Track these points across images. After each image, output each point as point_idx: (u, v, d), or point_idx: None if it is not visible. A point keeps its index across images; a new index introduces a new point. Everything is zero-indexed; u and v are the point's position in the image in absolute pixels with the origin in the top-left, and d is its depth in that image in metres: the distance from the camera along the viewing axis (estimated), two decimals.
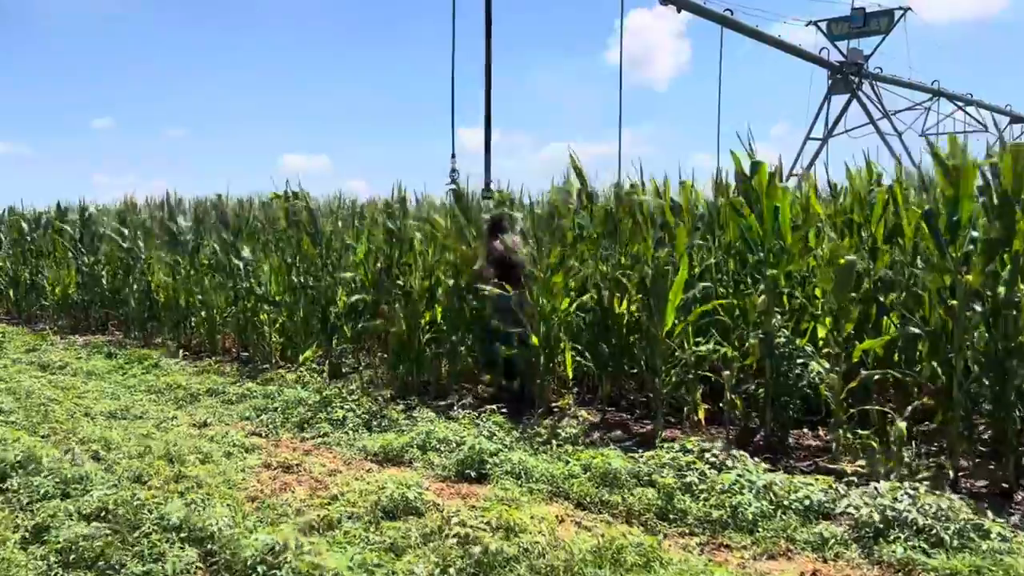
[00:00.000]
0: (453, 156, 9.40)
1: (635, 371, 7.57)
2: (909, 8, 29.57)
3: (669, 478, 5.17)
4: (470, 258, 8.09)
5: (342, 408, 7.37)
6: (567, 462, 5.78)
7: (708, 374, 6.61)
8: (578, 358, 7.43)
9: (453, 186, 9.05)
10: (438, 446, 6.27)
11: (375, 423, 7.09)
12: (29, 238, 16.21)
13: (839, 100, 31.43)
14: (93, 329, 13.96)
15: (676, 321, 6.56)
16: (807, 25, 30.58)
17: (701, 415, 6.69)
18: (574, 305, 7.55)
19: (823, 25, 30.84)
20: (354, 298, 9.30)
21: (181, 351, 10.89)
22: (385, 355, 9.24)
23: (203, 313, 11.28)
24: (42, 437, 6.89)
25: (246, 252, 10.44)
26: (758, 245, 6.25)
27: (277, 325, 10.22)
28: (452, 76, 9.35)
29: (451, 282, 8.27)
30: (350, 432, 6.92)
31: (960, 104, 31.64)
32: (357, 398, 7.61)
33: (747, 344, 6.37)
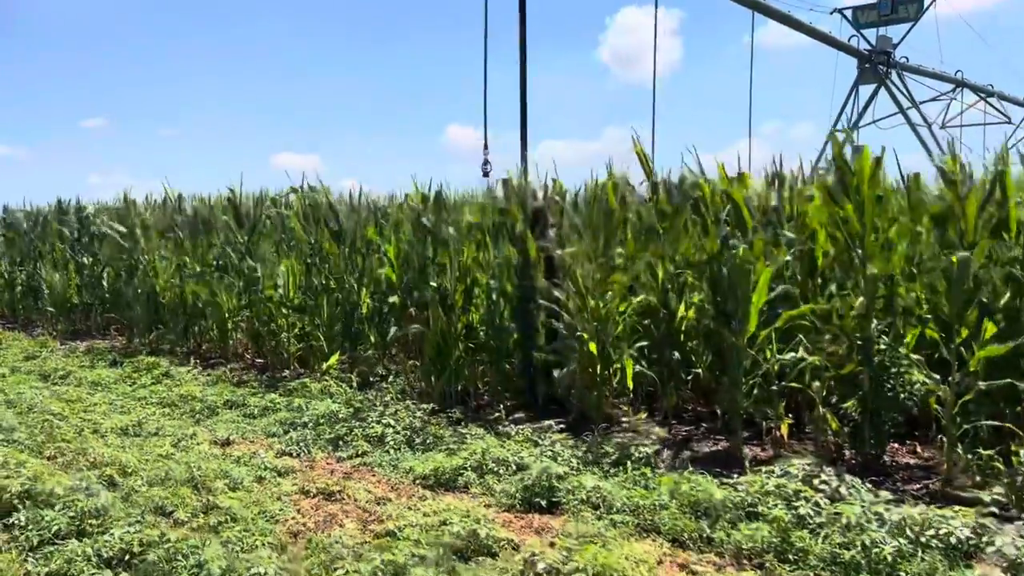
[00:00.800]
0: (486, 148, 8.73)
1: (698, 381, 6.90)
2: None
3: (778, 509, 4.49)
4: (514, 256, 7.41)
5: (379, 423, 6.68)
6: (648, 488, 5.11)
7: (795, 385, 5.92)
8: (638, 367, 6.75)
9: (488, 179, 8.37)
10: (496, 468, 5.59)
11: (418, 440, 6.40)
12: (27, 238, 15.45)
13: (867, 92, 30.83)
14: (94, 333, 13.21)
15: (759, 326, 5.87)
16: (832, 13, 29.76)
17: (784, 431, 6.02)
18: (629, 308, 6.88)
19: (848, 13, 30.08)
20: (391, 299, 8.59)
21: (192, 358, 10.16)
22: (416, 362, 8.56)
23: (214, 317, 10.56)
24: (48, 459, 6.20)
25: (262, 252, 9.71)
26: (855, 240, 5.57)
27: (296, 330, 9.50)
28: (484, 69, 8.66)
29: (493, 283, 7.58)
30: (391, 451, 6.23)
31: (983, 95, 31.00)
32: (394, 411, 6.91)
33: (840, 351, 5.70)
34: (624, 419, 6.82)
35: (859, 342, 5.56)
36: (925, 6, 29.06)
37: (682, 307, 6.78)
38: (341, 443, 6.46)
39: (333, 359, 8.67)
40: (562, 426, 6.31)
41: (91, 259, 13.51)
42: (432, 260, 7.95)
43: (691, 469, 5.45)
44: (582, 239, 6.92)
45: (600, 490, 5.00)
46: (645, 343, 6.92)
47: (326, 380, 8.26)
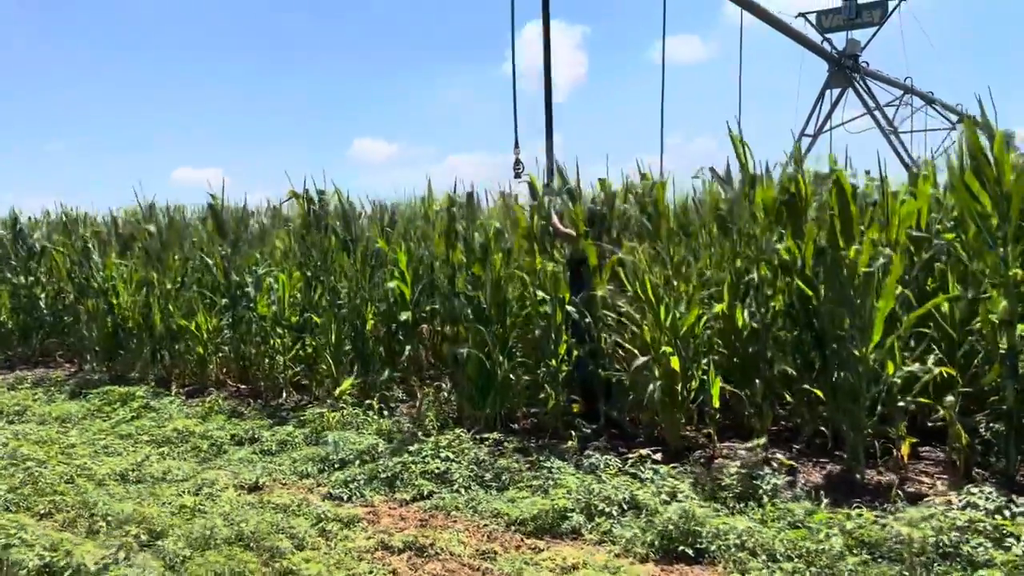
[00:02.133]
0: (517, 146, 7.91)
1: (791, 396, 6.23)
2: None
3: (992, 550, 3.82)
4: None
5: (436, 457, 5.77)
6: (800, 527, 4.38)
7: (924, 400, 5.31)
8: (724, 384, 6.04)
9: (526, 179, 7.55)
10: (606, 509, 4.76)
11: (488, 476, 5.52)
12: None
13: (835, 95, 31.18)
14: (35, 362, 11.74)
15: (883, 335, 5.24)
16: (797, 17, 29.84)
17: (905, 451, 5.39)
18: (705, 319, 6.18)
19: (812, 17, 30.22)
20: (403, 315, 7.69)
21: (165, 386, 8.96)
22: (441, 384, 7.67)
23: (191, 340, 9.38)
24: (43, 517, 5.07)
25: (257, 265, 8.62)
26: (995, 237, 5.00)
27: (292, 352, 8.44)
28: (513, 69, 7.89)
29: (540, 294, 6.77)
30: (463, 491, 5.33)
31: (925, 102, 31.84)
32: (447, 442, 5.99)
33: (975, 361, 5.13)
34: (702, 442, 6.12)
35: (1002, 351, 4.98)
36: (889, 11, 29.69)
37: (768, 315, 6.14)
38: (399, 483, 5.52)
39: (347, 383, 7.66)
40: (659, 456, 5.53)
41: (30, 278, 12.03)
42: (467, 269, 7.07)
43: (824, 502, 4.77)
44: (653, 243, 6.20)
45: (752, 532, 4.25)
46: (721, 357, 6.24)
47: (342, 407, 7.27)
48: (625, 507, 4.78)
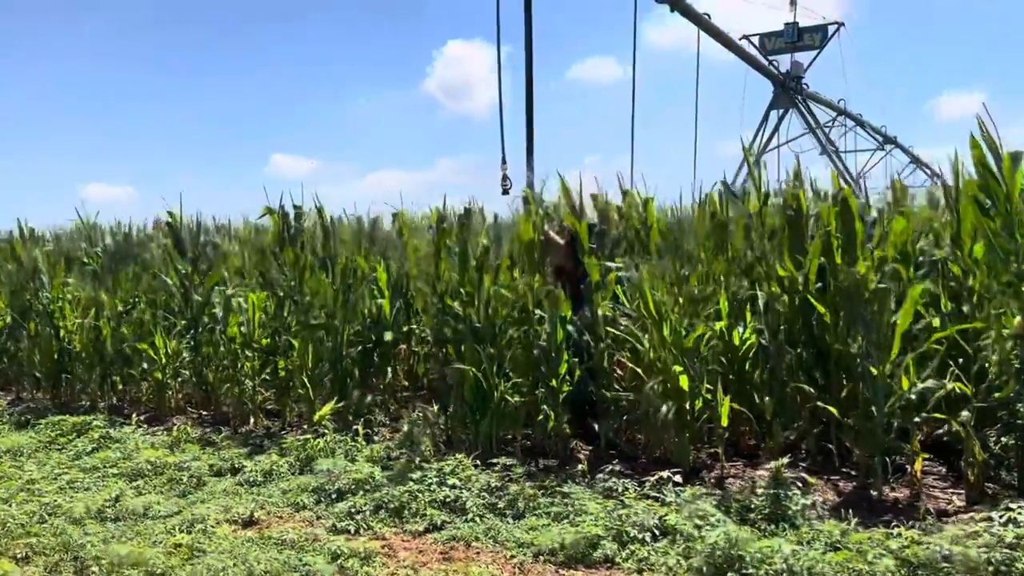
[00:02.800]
0: (504, 162, 7.74)
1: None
2: (842, 24, 30.48)
3: None
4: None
5: (443, 485, 5.51)
6: (838, 548, 4.30)
7: (939, 416, 5.32)
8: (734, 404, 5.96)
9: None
10: (637, 534, 4.59)
11: (502, 504, 5.28)
12: None
13: (779, 116, 32.03)
14: None
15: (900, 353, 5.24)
16: (740, 39, 30.57)
17: (918, 467, 5.38)
18: (709, 336, 6.11)
19: (755, 39, 31.08)
20: (386, 336, 7.41)
21: (133, 415, 8.40)
22: (424, 406, 7.39)
23: (147, 364, 8.85)
24: (21, 561, 4.62)
25: (223, 284, 8.19)
26: (1012, 254, 5.06)
27: (261, 376, 8.02)
28: (499, 85, 7.72)
29: (538, 312, 6.59)
30: (477, 520, 5.09)
31: (855, 123, 33.06)
32: (451, 468, 5.74)
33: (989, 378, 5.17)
34: (707, 462, 6.03)
35: (1017, 367, 5.04)
36: (828, 35, 30.77)
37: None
38: (407, 514, 5.23)
39: (326, 408, 7.31)
40: (678, 478, 5.40)
41: None
42: (461, 286, 6.84)
43: (853, 520, 4.71)
44: (660, 259, 6.11)
45: (798, 556, 4.13)
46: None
47: (324, 433, 6.92)
48: (656, 532, 4.62)
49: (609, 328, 6.32)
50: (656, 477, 5.29)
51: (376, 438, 7.04)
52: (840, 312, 5.56)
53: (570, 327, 6.38)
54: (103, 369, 9.28)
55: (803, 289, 5.95)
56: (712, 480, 5.66)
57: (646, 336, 6.14)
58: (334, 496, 5.63)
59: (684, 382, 5.82)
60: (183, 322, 8.71)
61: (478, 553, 4.67)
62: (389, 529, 5.08)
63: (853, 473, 5.76)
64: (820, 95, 31.94)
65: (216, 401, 8.53)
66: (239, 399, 8.04)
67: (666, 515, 4.72)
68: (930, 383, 5.26)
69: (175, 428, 7.59)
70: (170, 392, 8.83)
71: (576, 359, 6.42)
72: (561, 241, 6.97)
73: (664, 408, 5.75)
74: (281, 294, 7.99)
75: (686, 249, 6.50)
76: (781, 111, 31.84)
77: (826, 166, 29.46)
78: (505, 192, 7.62)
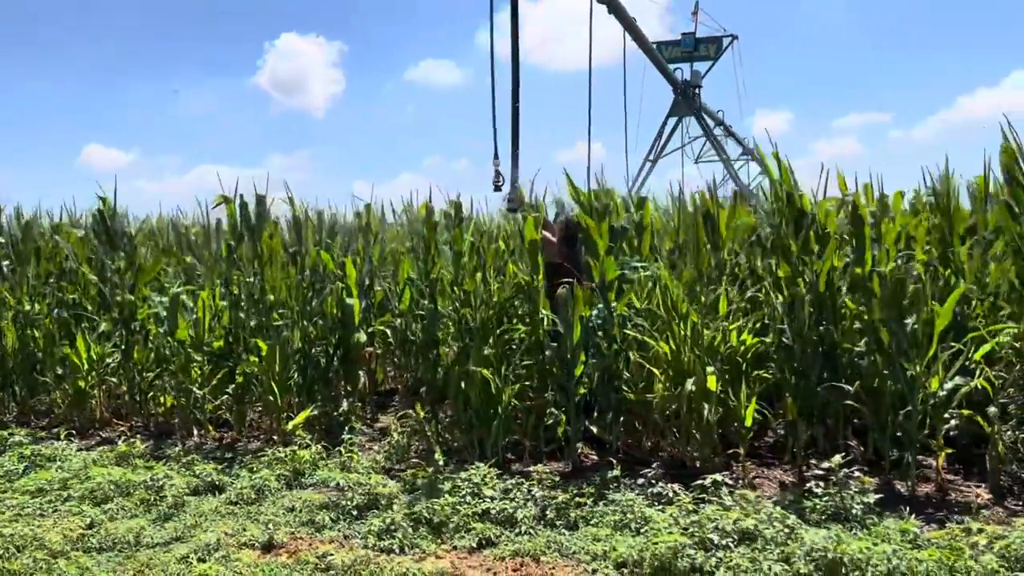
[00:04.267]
0: (496, 158, 7.34)
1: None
2: (736, 36, 31.59)
3: None
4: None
5: (478, 497, 5.09)
6: (920, 546, 4.27)
7: (966, 412, 5.45)
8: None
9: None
10: (720, 540, 4.38)
11: (551, 514, 4.94)
12: None
13: (676, 123, 32.81)
14: None
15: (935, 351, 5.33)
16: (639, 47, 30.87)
17: (941, 462, 5.51)
18: (730, 337, 6.02)
19: (653, 46, 31.50)
20: (357, 336, 6.86)
21: (62, 429, 7.36)
22: (408, 412, 6.92)
23: (60, 371, 7.82)
24: None
25: (167, 281, 7.33)
26: None
27: (213, 384, 7.23)
28: (492, 76, 7.35)
29: (545, 312, 6.29)
30: (532, 533, 4.72)
31: (726, 134, 34.55)
32: (480, 478, 5.32)
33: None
34: (724, 463, 5.94)
35: None
36: (724, 47, 31.92)
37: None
38: (449, 529, 4.78)
39: (302, 416, 6.67)
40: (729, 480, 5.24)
41: None
42: (458, 285, 6.42)
43: (911, 518, 4.73)
44: (680, 256, 5.97)
45: (901, 556, 4.06)
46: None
47: (294, 442, 6.32)
48: (737, 537, 4.43)
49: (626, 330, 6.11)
50: (711, 480, 5.10)
51: (354, 447, 6.48)
52: (868, 312, 5.60)
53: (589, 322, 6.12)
54: (3, 377, 8.14)
55: (823, 290, 5.96)
56: (745, 482, 5.55)
57: (664, 336, 5.98)
58: (353, 513, 5.09)
59: (712, 383, 5.70)
60: (104, 325, 7.75)
61: (553, 569, 4.31)
62: (437, 546, 4.62)
63: (866, 469, 5.81)
64: (706, 105, 33.45)
65: (152, 411, 7.63)
66: (187, 408, 7.21)
67: (742, 521, 4.53)
68: (958, 380, 5.40)
69: (121, 442, 6.69)
70: (94, 401, 7.82)
71: (598, 361, 6.16)
72: (553, 238, 6.73)
73: (684, 409, 5.61)
74: (236, 292, 7.26)
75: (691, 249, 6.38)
76: (677, 119, 33.04)
77: (724, 174, 30.78)
78: (497, 189, 7.25)
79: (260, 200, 7.07)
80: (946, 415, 5.42)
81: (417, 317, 7.64)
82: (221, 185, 7.31)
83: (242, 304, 7.19)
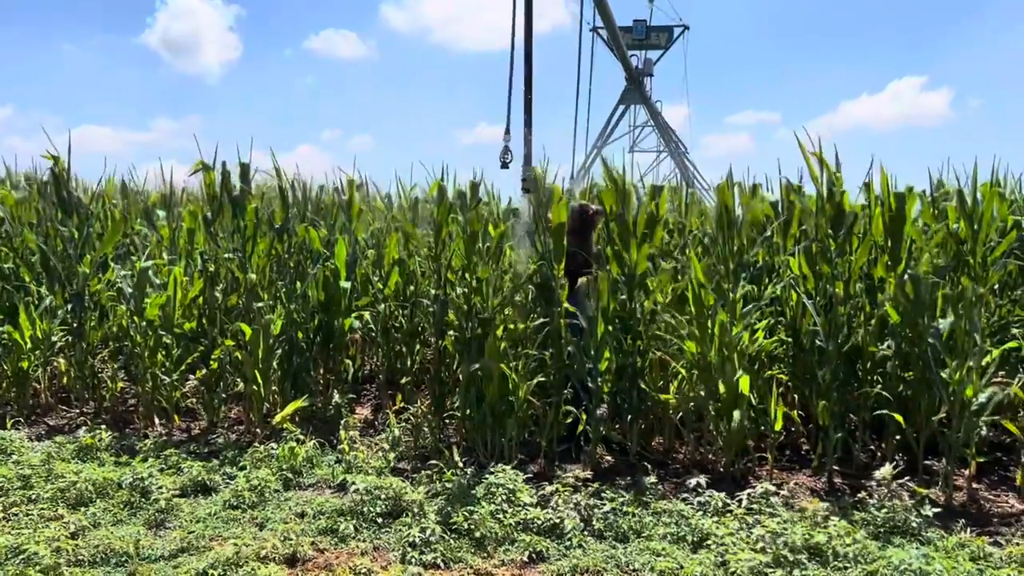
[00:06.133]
0: (507, 132, 6.80)
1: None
2: (687, 27, 31.49)
3: None
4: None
5: (514, 504, 4.68)
6: (993, 565, 4.12)
7: (995, 418, 5.37)
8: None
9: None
10: (793, 558, 4.09)
11: (599, 525, 4.57)
12: None
13: (627, 110, 32.49)
14: None
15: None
16: (591, 31, 30.30)
17: (973, 469, 5.42)
18: (759, 333, 5.79)
19: (604, 33, 30.83)
20: (349, 322, 6.31)
21: (18, 416, 6.50)
22: (406, 405, 6.44)
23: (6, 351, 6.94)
24: None
25: (130, 252, 6.56)
26: None
27: (179, 369, 6.53)
28: (512, 43, 6.85)
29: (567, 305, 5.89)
30: (583, 546, 4.35)
31: (663, 127, 34.64)
32: (511, 485, 4.88)
33: None
34: (748, 468, 5.72)
35: None
36: (674, 37, 31.79)
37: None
38: (492, 541, 4.35)
39: (289, 408, 6.09)
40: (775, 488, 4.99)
41: None
42: (470, 270, 5.95)
43: (965, 532, 4.60)
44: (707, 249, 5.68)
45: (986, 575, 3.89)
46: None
47: (301, 438, 5.75)
48: (808, 552, 4.17)
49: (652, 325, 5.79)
50: (763, 489, 4.83)
51: (357, 444, 5.96)
52: (905, 315, 5.45)
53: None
54: None
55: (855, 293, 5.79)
56: (787, 490, 5.32)
57: (690, 334, 5.69)
58: (378, 520, 4.59)
59: (745, 384, 5.44)
60: (49, 299, 6.90)
61: None
62: (483, 560, 4.19)
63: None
64: (650, 96, 33.49)
65: (107, 397, 6.86)
66: (151, 395, 6.49)
67: (811, 535, 4.27)
68: (994, 388, 5.31)
69: (85, 435, 5.94)
70: (38, 385, 6.98)
71: (619, 356, 5.81)
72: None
73: (712, 411, 5.35)
74: (212, 268, 6.58)
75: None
76: (625, 106, 32.92)
77: (671, 164, 30.90)
78: (504, 166, 6.75)
79: (244, 169, 6.39)
80: (980, 423, 5.33)
81: (406, 303, 7.14)
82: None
83: (219, 282, 6.52)
